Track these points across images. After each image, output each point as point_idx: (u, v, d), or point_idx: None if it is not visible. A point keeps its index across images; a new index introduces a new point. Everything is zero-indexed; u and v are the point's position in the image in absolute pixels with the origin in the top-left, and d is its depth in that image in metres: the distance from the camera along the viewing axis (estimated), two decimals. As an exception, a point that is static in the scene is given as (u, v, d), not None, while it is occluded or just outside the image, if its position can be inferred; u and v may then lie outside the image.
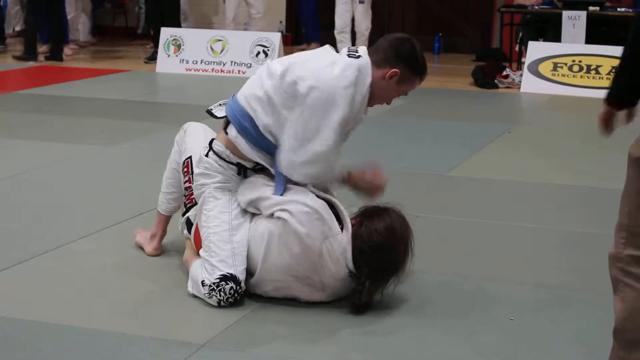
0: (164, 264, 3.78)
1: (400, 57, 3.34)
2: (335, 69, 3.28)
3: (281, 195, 3.33)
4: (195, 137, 3.75)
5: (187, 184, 3.69)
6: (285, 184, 3.36)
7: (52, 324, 3.19)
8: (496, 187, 5.21)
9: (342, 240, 3.27)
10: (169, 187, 3.86)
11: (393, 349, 3.04)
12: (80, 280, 3.62)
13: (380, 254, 3.26)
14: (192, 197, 3.62)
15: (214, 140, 3.52)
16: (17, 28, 12.28)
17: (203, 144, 3.62)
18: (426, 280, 3.62)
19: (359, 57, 3.33)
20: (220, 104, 3.59)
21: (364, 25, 9.66)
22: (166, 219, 3.92)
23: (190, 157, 3.70)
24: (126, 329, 3.16)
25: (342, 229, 3.29)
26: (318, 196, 3.33)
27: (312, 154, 3.30)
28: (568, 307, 3.42)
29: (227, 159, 3.45)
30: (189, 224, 3.63)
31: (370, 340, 3.11)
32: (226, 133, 3.45)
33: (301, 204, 3.26)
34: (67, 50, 10.92)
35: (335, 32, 9.79)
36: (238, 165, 3.45)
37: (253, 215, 3.41)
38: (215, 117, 3.54)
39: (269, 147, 3.38)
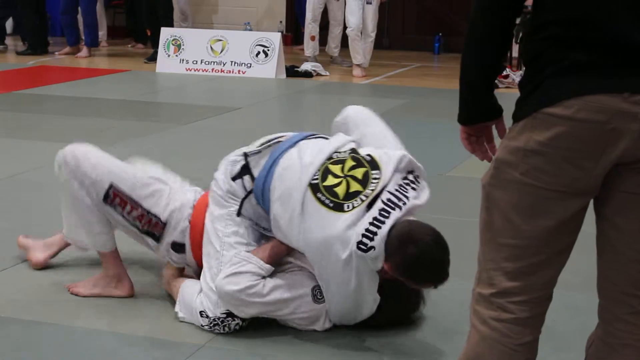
0: (164, 264, 3.78)
1: (390, 254, 2.95)
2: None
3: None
4: (94, 161, 3.34)
5: (135, 213, 3.34)
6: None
7: (52, 324, 3.19)
8: (496, 187, 5.20)
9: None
10: (99, 226, 3.37)
11: (394, 350, 3.04)
12: (80, 280, 3.61)
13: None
14: (151, 219, 3.35)
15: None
16: None
17: (122, 166, 3.37)
18: (426, 280, 3.62)
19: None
20: (260, 150, 3.26)
21: (371, 27, 9.63)
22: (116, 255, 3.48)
23: (111, 184, 3.31)
24: (126, 330, 3.16)
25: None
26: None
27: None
28: (568, 307, 3.41)
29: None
30: (175, 246, 3.40)
31: (370, 341, 3.11)
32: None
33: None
34: (82, 53, 10.88)
35: (349, 30, 9.58)
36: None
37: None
38: (251, 173, 3.23)
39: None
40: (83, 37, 11.02)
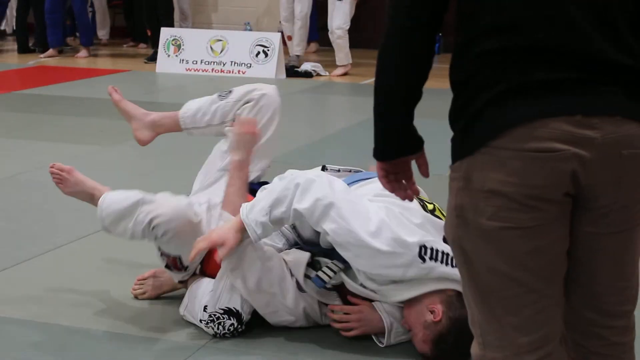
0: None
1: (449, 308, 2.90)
2: None
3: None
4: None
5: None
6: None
7: (52, 324, 3.20)
8: (496, 187, 5.19)
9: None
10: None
11: (395, 352, 3.04)
12: (80, 280, 3.62)
13: None
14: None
15: None
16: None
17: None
18: (426, 281, 3.62)
19: None
20: (339, 170, 3.38)
21: (335, 24, 9.40)
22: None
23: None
24: (126, 330, 3.17)
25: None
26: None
27: None
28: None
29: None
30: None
31: (371, 341, 3.11)
32: None
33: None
34: (82, 53, 10.87)
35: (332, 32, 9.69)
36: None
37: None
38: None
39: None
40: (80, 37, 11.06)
